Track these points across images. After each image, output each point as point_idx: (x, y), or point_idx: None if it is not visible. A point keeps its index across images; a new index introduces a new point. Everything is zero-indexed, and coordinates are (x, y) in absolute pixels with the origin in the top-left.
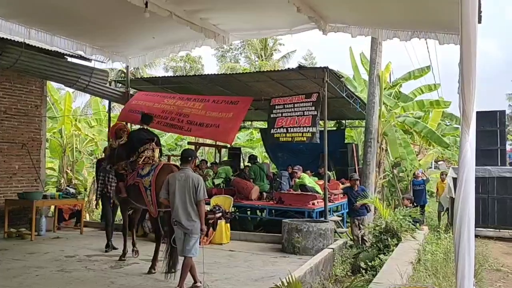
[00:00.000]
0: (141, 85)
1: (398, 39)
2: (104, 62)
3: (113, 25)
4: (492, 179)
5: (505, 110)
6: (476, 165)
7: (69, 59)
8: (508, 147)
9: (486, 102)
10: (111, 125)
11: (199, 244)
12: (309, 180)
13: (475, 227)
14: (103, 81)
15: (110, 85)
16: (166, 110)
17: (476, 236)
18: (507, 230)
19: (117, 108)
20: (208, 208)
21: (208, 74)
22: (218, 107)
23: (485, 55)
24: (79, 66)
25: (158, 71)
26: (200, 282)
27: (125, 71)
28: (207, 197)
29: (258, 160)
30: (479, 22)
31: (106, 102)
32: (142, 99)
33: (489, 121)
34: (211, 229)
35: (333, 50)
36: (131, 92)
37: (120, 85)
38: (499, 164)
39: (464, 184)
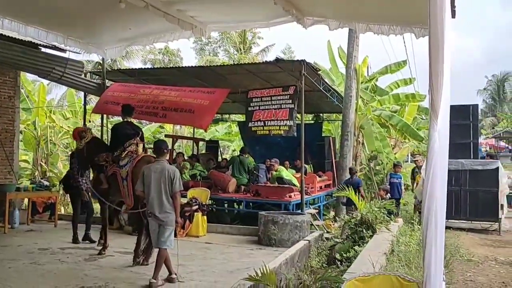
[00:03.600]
0: (117, 77)
1: (375, 33)
2: (80, 53)
3: (88, 15)
4: (464, 172)
5: (477, 104)
6: (449, 158)
7: (44, 49)
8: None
9: (464, 98)
10: (73, 130)
11: (175, 236)
12: (286, 173)
13: (448, 219)
14: (78, 72)
15: (85, 76)
16: (142, 99)
17: (449, 227)
18: (478, 222)
19: (94, 101)
20: (184, 200)
21: (185, 66)
22: (193, 95)
23: (465, 52)
24: (53, 57)
25: (136, 64)
26: (175, 274)
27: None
28: (182, 189)
29: (244, 155)
30: (453, 16)
31: (82, 94)
32: (118, 90)
33: (463, 115)
34: (187, 221)
35: (312, 44)
36: (107, 84)
37: (96, 76)
38: (471, 157)
39: (432, 175)
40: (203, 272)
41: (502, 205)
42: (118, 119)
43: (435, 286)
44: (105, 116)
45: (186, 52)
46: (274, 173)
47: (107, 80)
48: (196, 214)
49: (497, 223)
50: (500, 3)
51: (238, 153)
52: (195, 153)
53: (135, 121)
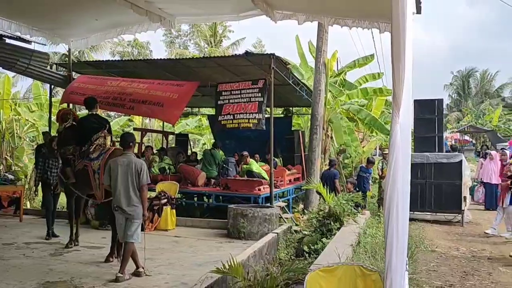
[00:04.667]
0: (84, 69)
1: (342, 26)
2: (45, 44)
3: (53, 5)
4: (429, 165)
5: (442, 99)
6: (415, 151)
7: (8, 40)
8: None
9: (431, 93)
10: (57, 111)
11: (142, 230)
12: (256, 166)
13: (413, 211)
14: (43, 64)
15: (51, 68)
16: (109, 91)
17: (414, 219)
18: (443, 214)
19: (61, 93)
20: (153, 194)
21: (154, 59)
22: (162, 88)
23: (433, 48)
24: (18, 48)
25: (104, 56)
26: (143, 268)
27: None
28: (150, 182)
29: (216, 149)
30: (419, 12)
31: (48, 86)
32: (85, 81)
33: (428, 109)
34: (156, 215)
35: (283, 38)
36: (74, 76)
37: (62, 69)
38: (436, 151)
39: (393, 167)
40: (171, 265)
41: (465, 197)
42: (86, 111)
43: (396, 275)
44: (71, 107)
45: (156, 45)
46: (244, 166)
47: (73, 73)
48: (165, 208)
49: (460, 215)
50: (466, 0)
51: (210, 147)
52: (164, 146)
53: (103, 114)
